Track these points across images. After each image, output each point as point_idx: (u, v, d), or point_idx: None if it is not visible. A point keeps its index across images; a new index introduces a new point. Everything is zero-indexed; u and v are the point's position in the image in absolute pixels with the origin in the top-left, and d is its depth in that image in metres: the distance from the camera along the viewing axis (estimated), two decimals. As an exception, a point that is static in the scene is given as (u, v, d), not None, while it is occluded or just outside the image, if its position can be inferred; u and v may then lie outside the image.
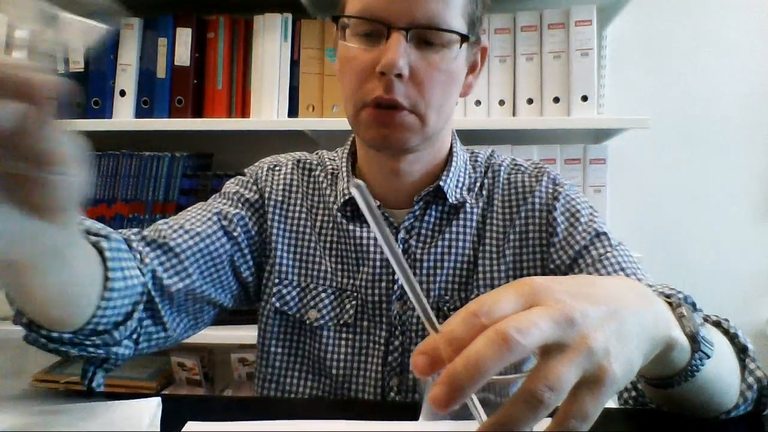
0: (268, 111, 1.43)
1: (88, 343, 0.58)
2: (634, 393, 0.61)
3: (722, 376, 0.52)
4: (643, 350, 0.38)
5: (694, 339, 0.46)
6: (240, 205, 0.78)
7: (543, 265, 0.74)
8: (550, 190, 0.76)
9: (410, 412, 0.58)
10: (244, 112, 1.45)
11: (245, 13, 1.46)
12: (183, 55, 1.44)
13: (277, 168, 0.82)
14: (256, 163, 0.85)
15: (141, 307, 0.64)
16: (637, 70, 1.59)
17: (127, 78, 1.45)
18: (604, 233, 0.72)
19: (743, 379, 0.56)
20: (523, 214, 0.76)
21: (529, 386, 0.31)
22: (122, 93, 1.45)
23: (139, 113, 1.46)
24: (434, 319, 0.34)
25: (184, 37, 1.44)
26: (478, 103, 1.41)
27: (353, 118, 0.70)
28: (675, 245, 1.62)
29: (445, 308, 0.74)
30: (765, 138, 1.58)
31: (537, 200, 0.76)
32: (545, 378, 0.31)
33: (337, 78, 0.75)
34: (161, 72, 1.44)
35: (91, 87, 1.45)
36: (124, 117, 1.45)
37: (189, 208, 0.78)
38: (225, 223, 0.76)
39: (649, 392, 0.55)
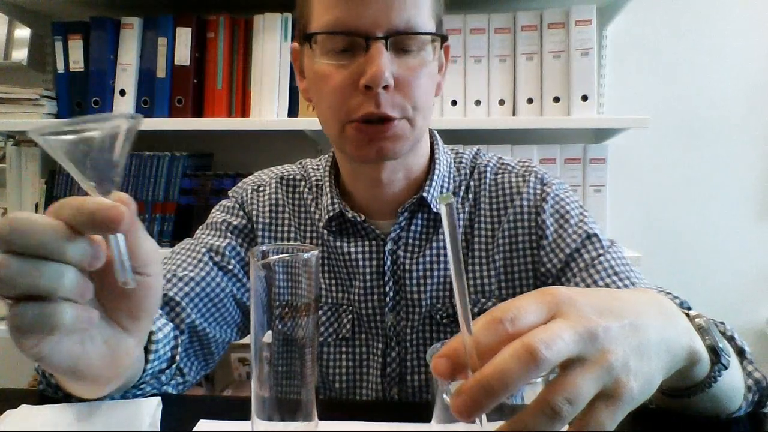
0: (268, 111, 1.43)
1: (138, 393, 0.60)
2: None
3: (733, 382, 0.52)
4: (664, 366, 0.38)
5: (713, 351, 0.46)
6: (229, 234, 0.76)
7: (534, 269, 0.73)
8: (538, 191, 0.74)
9: (415, 413, 0.58)
10: (244, 112, 1.45)
11: (245, 13, 1.46)
12: (183, 55, 1.44)
13: (261, 188, 0.80)
14: (239, 184, 0.82)
15: (180, 350, 0.65)
16: (637, 70, 1.59)
17: (127, 78, 1.45)
18: (595, 234, 0.71)
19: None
20: (511, 217, 0.74)
21: (548, 397, 0.31)
22: (122, 93, 1.45)
23: (139, 113, 1.45)
24: (471, 321, 0.34)
25: (184, 37, 1.44)
26: (478, 103, 1.41)
27: (338, 136, 0.67)
28: (675, 245, 1.62)
29: (438, 317, 0.73)
30: (765, 138, 1.58)
31: (525, 202, 0.74)
32: (564, 390, 0.31)
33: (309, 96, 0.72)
34: (161, 72, 1.44)
35: (91, 87, 1.45)
36: (124, 117, 1.45)
37: (178, 249, 0.75)
38: (218, 258, 0.74)
39: (658, 399, 0.54)
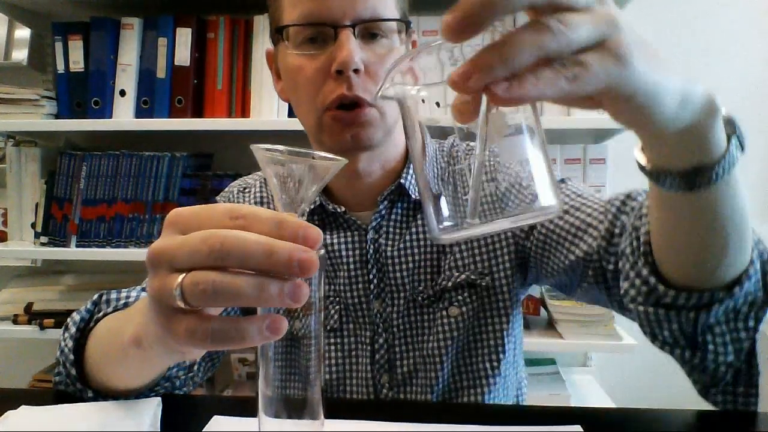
0: (268, 111, 1.43)
1: (152, 394, 0.61)
2: (638, 282, 0.54)
3: (744, 205, 0.48)
4: (676, 80, 0.37)
5: (729, 121, 0.43)
6: None
7: (518, 236, 0.75)
8: None
9: (413, 412, 0.58)
10: (244, 112, 1.45)
11: (245, 13, 1.46)
12: (183, 55, 1.44)
13: (247, 189, 0.84)
14: (227, 189, 0.86)
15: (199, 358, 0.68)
16: (637, 70, 1.58)
17: (127, 78, 1.45)
18: (561, 180, 0.75)
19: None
20: None
21: (538, 19, 0.31)
22: (122, 93, 1.45)
23: (139, 113, 1.46)
24: None
25: (184, 37, 1.44)
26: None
27: (315, 126, 0.70)
28: (675, 245, 1.62)
29: (419, 299, 0.75)
30: (765, 138, 1.58)
31: None
32: (561, 16, 0.30)
33: (286, 93, 0.75)
34: (161, 72, 1.44)
35: (91, 87, 1.45)
36: (124, 117, 1.45)
37: None
38: None
39: (664, 203, 0.50)
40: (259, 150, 0.37)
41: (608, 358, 1.67)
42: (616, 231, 0.61)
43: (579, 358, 1.69)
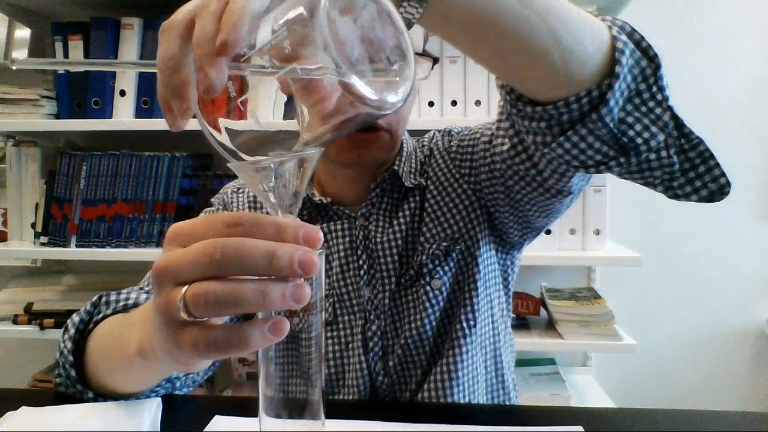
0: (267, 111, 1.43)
1: (153, 394, 0.62)
2: (534, 124, 0.53)
3: None
4: None
5: None
6: None
7: (475, 189, 0.76)
8: (447, 138, 0.82)
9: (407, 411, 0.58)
10: (243, 113, 1.45)
11: (245, 13, 1.46)
12: (183, 55, 1.44)
13: (241, 190, 0.85)
14: (221, 190, 0.88)
15: None
16: (637, 70, 1.58)
17: (127, 78, 1.45)
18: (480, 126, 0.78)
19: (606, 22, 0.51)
20: (436, 170, 0.80)
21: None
22: (122, 93, 1.45)
23: (139, 113, 1.46)
24: None
25: (184, 37, 1.44)
26: (477, 103, 1.41)
27: None
28: (675, 245, 1.62)
29: (403, 280, 0.76)
30: (765, 138, 1.58)
31: (436, 152, 0.81)
32: None
33: None
34: (161, 72, 1.44)
35: (91, 87, 1.46)
36: (124, 117, 1.45)
37: None
38: None
39: (463, 36, 0.47)
40: (242, 166, 0.37)
41: (608, 358, 1.67)
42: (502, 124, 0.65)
43: (579, 358, 1.69)
